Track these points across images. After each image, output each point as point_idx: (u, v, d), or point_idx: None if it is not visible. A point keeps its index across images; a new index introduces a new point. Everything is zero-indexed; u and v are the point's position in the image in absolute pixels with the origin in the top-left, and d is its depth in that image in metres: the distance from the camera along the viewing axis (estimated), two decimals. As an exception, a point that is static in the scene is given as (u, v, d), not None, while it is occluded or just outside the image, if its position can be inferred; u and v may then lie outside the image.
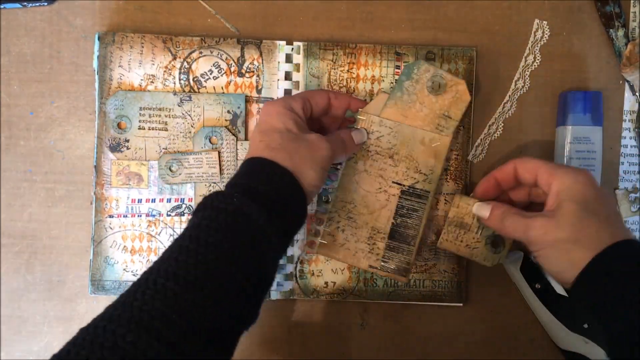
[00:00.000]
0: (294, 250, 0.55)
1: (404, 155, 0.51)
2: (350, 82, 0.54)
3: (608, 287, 0.41)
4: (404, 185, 0.51)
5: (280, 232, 0.42)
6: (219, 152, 0.54)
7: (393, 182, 0.51)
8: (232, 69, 0.54)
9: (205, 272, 0.37)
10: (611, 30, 0.55)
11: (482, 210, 0.49)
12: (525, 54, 0.55)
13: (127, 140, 0.54)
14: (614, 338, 0.41)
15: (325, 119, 0.52)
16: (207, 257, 0.38)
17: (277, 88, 0.54)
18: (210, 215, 0.40)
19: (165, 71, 0.54)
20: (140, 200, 0.54)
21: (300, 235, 0.54)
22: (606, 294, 0.41)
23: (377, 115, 0.51)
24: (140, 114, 0.54)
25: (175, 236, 0.54)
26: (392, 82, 0.54)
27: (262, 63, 0.54)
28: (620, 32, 0.55)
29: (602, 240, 0.42)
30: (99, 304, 0.55)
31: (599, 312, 0.42)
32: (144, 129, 0.54)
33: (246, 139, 0.54)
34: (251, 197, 0.41)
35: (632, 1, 0.55)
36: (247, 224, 0.40)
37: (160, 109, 0.54)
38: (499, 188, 0.50)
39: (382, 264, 0.51)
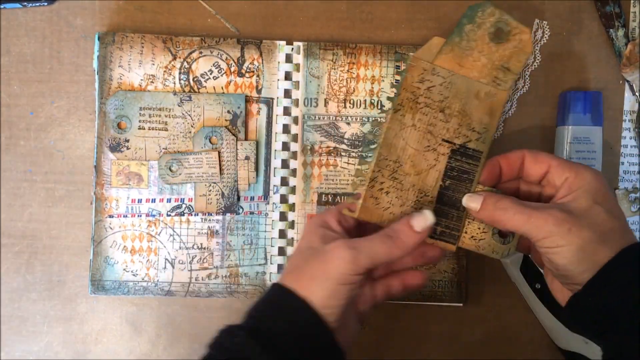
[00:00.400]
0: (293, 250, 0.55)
1: (456, 110, 0.45)
2: (350, 82, 0.54)
3: (618, 290, 0.37)
4: (455, 144, 0.45)
5: None
6: (219, 152, 0.54)
7: (443, 140, 0.45)
8: (232, 69, 0.54)
9: None
10: (611, 30, 0.55)
11: (473, 201, 0.43)
12: (525, 54, 0.55)
13: (127, 140, 0.54)
14: (614, 344, 0.38)
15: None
16: None
17: (277, 88, 0.54)
18: (211, 354, 0.38)
19: (165, 71, 0.54)
20: (140, 200, 0.54)
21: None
22: (615, 296, 0.37)
23: (430, 62, 0.45)
24: (140, 114, 0.54)
25: (175, 236, 0.55)
26: (392, 82, 0.54)
27: (262, 63, 0.54)
28: (620, 32, 0.55)
29: (626, 242, 0.38)
30: (99, 303, 0.55)
31: (604, 314, 0.38)
32: (144, 129, 0.54)
33: (246, 138, 0.54)
34: (254, 337, 0.38)
35: (632, 1, 0.55)
36: None
37: (160, 109, 0.54)
38: (499, 177, 0.45)
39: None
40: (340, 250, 0.39)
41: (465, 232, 0.46)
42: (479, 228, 0.45)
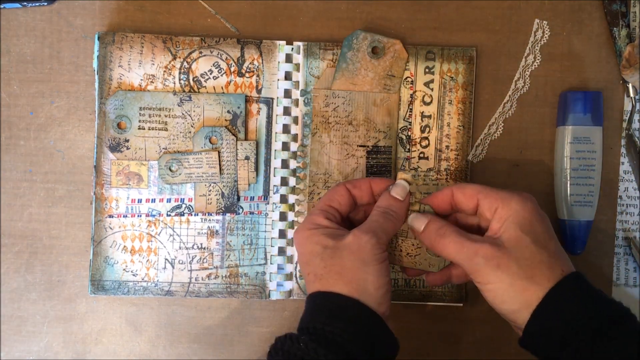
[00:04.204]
0: (293, 250, 0.55)
1: (362, 119, 0.53)
2: (350, 82, 0.55)
3: (560, 325, 0.39)
4: (368, 146, 0.54)
5: None
6: (219, 152, 0.54)
7: (358, 146, 0.54)
8: (232, 68, 0.54)
9: None
10: (615, 28, 0.55)
11: (417, 221, 0.46)
12: (525, 54, 0.55)
13: (127, 140, 0.54)
14: None
15: (355, 213, 0.49)
16: None
17: (277, 88, 0.54)
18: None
19: (165, 71, 0.54)
20: (140, 200, 0.54)
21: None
22: (559, 331, 0.39)
23: (329, 88, 0.53)
24: (140, 114, 0.54)
25: (175, 236, 0.55)
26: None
27: (262, 63, 0.54)
28: (624, 32, 0.54)
29: (553, 276, 0.40)
30: (99, 303, 0.55)
31: (552, 350, 0.40)
32: (144, 129, 0.54)
33: (246, 139, 0.54)
34: (318, 340, 0.39)
35: (632, 1, 0.55)
36: None
37: (160, 109, 0.54)
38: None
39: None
40: (363, 237, 0.42)
41: (401, 250, 0.49)
42: (413, 245, 0.49)
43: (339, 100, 0.53)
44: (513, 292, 0.40)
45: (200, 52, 0.54)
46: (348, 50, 0.53)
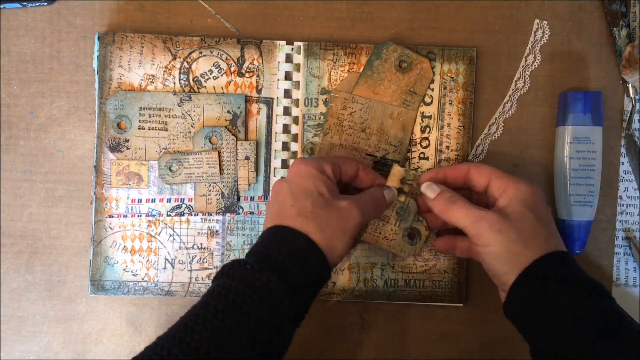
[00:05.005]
0: (294, 250, 0.55)
1: (375, 129, 0.54)
2: (350, 82, 0.55)
3: (539, 292, 0.42)
4: (376, 157, 0.54)
5: (299, 306, 0.43)
6: (219, 152, 0.54)
7: (367, 154, 0.54)
8: (232, 69, 0.54)
9: (211, 339, 0.38)
10: (615, 28, 0.55)
11: (430, 190, 0.49)
12: (525, 54, 0.55)
13: (127, 140, 0.54)
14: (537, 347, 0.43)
15: (349, 188, 0.52)
16: (214, 323, 0.38)
17: (277, 88, 0.54)
18: (224, 283, 0.41)
19: (165, 71, 0.54)
20: (140, 200, 0.54)
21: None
22: (538, 299, 0.42)
23: (349, 92, 0.54)
24: (140, 114, 0.54)
25: (175, 236, 0.55)
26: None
27: (262, 63, 0.54)
28: (624, 32, 0.54)
29: (548, 248, 0.44)
30: (99, 303, 0.55)
31: (527, 318, 0.43)
32: (144, 129, 0.54)
33: (246, 139, 0.54)
34: (270, 267, 0.41)
35: (632, 1, 0.55)
36: (263, 293, 0.40)
37: (160, 109, 0.54)
38: (443, 183, 0.51)
39: (364, 231, 0.52)
40: (354, 209, 0.46)
41: (380, 233, 0.52)
42: (392, 230, 0.52)
43: (357, 106, 0.54)
44: (509, 254, 0.43)
45: (200, 52, 0.54)
46: (376, 58, 0.53)
